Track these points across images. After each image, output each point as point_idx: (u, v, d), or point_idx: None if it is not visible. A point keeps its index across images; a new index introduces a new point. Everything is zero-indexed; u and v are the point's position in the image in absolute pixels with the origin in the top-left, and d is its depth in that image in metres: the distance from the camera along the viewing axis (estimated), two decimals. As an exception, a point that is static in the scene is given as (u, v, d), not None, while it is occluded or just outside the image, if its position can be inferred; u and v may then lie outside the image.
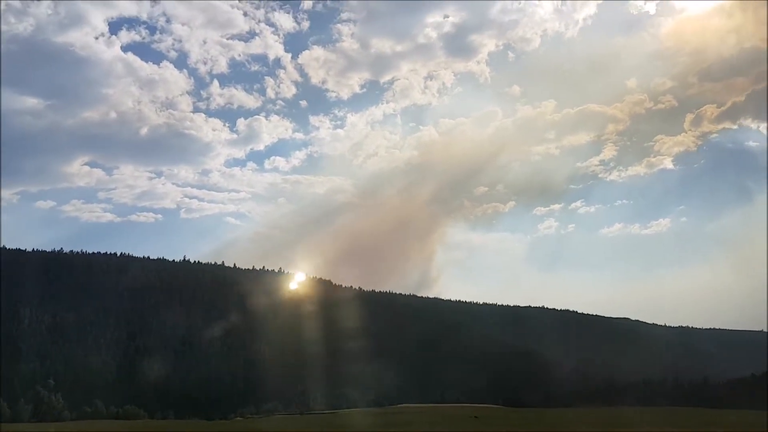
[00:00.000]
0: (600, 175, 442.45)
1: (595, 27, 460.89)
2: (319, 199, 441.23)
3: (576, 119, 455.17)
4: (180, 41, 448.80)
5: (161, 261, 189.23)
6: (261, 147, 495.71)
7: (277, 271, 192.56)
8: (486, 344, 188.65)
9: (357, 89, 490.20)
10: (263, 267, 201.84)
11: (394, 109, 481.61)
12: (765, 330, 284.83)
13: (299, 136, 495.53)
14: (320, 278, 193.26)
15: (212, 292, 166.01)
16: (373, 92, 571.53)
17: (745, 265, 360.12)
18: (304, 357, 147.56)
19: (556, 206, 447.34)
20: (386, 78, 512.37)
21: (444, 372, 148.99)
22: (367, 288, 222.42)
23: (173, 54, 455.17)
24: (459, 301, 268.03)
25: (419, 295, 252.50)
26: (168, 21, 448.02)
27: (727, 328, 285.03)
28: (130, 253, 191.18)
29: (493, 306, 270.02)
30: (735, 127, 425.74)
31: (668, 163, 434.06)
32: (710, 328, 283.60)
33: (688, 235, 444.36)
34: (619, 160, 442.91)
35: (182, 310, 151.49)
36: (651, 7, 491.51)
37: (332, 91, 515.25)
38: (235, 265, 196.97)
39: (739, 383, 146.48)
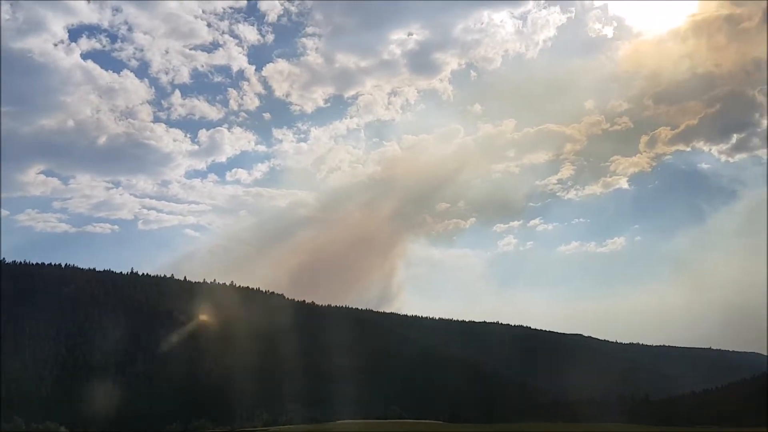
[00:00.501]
0: (558, 194, 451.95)
1: (554, 49, 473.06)
2: (281, 213, 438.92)
3: (535, 138, 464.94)
4: (141, 50, 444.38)
5: (107, 273, 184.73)
6: (223, 159, 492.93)
7: (228, 284, 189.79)
8: (437, 360, 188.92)
9: (321, 103, 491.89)
10: (214, 280, 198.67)
11: (358, 124, 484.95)
12: (713, 347, 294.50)
13: (262, 148, 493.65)
14: (273, 292, 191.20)
15: (158, 305, 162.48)
16: (337, 107, 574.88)
17: (694, 284, 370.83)
18: (249, 372, 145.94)
19: (516, 223, 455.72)
20: (350, 93, 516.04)
21: (392, 387, 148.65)
22: (322, 303, 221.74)
23: (134, 63, 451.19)
24: (414, 316, 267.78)
25: (375, 310, 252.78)
26: (130, 29, 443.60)
27: (676, 345, 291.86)
28: (76, 265, 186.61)
29: (449, 321, 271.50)
30: (688, 149, 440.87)
31: (624, 183, 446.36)
32: (660, 345, 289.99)
33: (642, 253, 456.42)
34: (577, 179, 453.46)
35: (126, 323, 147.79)
36: (609, 31, 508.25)
37: (296, 105, 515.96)
38: (185, 278, 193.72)
39: (681, 399, 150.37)
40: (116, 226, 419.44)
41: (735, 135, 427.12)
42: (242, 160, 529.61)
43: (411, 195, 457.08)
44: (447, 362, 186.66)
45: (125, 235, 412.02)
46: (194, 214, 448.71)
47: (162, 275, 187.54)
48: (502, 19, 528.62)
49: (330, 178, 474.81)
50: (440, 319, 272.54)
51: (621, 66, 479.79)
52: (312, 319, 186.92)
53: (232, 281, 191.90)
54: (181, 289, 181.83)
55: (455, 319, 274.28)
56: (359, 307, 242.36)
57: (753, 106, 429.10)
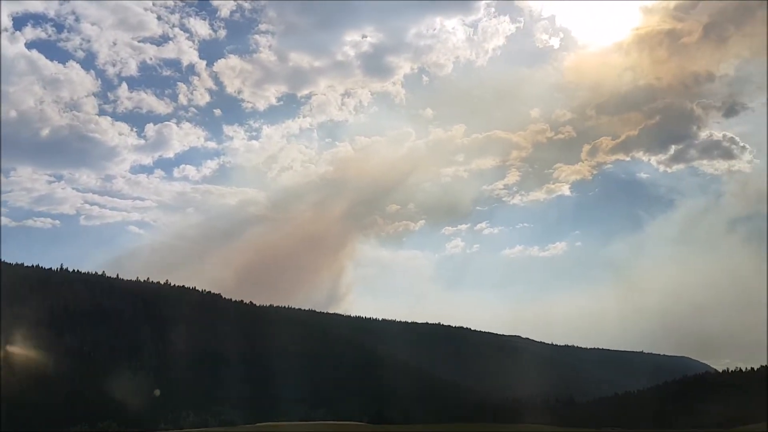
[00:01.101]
0: (504, 199, 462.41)
1: (503, 57, 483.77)
2: (230, 211, 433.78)
3: (483, 144, 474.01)
4: (88, 41, 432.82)
5: (35, 269, 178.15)
6: (170, 154, 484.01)
7: (162, 283, 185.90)
8: (375, 361, 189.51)
9: (273, 101, 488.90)
10: (147, 279, 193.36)
11: (311, 123, 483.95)
12: (645, 351, 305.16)
13: (212, 145, 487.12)
14: (209, 292, 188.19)
15: (84, 304, 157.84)
16: (290, 105, 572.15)
17: (629, 289, 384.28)
18: (177, 373, 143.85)
19: (463, 226, 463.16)
20: (304, 92, 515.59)
21: (326, 389, 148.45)
22: (263, 303, 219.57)
23: (80, 54, 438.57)
24: (357, 317, 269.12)
25: (318, 310, 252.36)
26: (77, 20, 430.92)
27: (610, 348, 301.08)
28: (4, 260, 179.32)
29: (391, 322, 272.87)
30: (628, 159, 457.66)
31: (566, 190, 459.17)
32: (594, 348, 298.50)
33: (582, 258, 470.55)
34: (522, 185, 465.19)
35: (48, 321, 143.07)
36: (555, 42, 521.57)
37: (248, 102, 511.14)
38: (117, 275, 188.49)
39: (604, 401, 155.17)
40: (57, 221, 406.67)
41: (673, 146, 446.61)
42: (191, 157, 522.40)
43: (362, 196, 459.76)
44: (385, 363, 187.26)
45: (67, 230, 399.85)
46: (139, 210, 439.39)
47: (93, 272, 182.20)
48: (453, 26, 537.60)
49: (281, 177, 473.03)
50: (383, 320, 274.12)
51: (566, 76, 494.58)
52: (249, 319, 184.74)
53: (167, 280, 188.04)
54: (111, 288, 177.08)
55: (398, 320, 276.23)
56: (301, 308, 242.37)
57: (691, 119, 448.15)
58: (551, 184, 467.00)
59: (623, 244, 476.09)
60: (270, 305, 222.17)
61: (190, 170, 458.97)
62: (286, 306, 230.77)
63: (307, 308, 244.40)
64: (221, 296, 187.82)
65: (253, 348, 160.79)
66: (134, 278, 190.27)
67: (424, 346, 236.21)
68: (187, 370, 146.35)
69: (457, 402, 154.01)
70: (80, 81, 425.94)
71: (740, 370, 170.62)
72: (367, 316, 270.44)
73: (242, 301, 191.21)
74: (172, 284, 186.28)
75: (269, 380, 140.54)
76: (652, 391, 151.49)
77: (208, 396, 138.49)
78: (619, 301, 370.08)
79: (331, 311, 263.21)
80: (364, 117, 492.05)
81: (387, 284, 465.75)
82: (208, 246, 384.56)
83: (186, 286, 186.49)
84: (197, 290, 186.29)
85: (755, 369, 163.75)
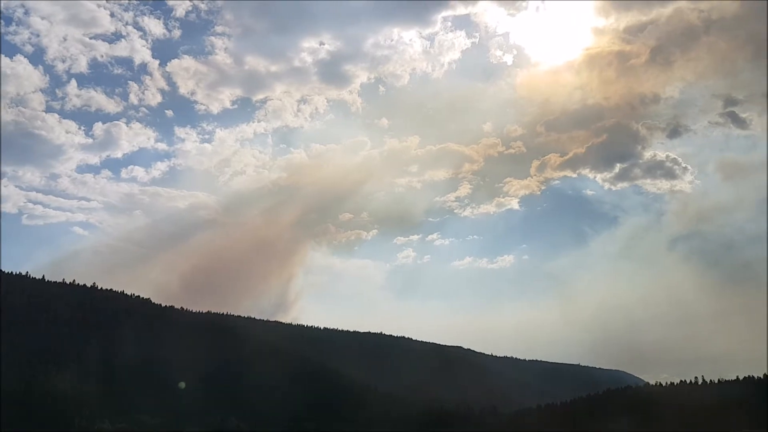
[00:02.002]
0: (455, 211, 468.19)
1: (458, 71, 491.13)
2: (179, 214, 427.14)
3: (437, 156, 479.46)
4: (38, 35, 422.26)
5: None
6: (119, 154, 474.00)
7: (89, 286, 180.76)
8: (308, 370, 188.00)
9: (228, 105, 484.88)
10: (74, 281, 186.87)
11: (266, 128, 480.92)
12: (581, 364, 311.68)
13: (162, 146, 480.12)
14: (138, 296, 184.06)
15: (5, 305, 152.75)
16: (244, 109, 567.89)
17: (570, 303, 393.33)
18: (100, 380, 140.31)
19: (415, 237, 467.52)
20: (259, 97, 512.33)
21: (244, 397, 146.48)
22: (202, 309, 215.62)
23: (29, 48, 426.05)
24: (298, 325, 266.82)
25: (258, 318, 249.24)
26: (26, 13, 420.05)
27: (547, 360, 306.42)
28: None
29: (333, 331, 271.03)
30: (575, 175, 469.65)
31: (515, 204, 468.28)
32: (532, 360, 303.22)
33: (528, 272, 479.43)
34: (473, 197, 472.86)
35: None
36: (509, 59, 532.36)
37: (201, 104, 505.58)
38: (44, 277, 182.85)
39: (526, 413, 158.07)
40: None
41: (618, 165, 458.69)
42: (140, 158, 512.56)
43: (315, 203, 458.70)
44: (316, 373, 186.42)
45: (7, 229, 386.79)
46: (84, 211, 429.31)
47: (16, 272, 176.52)
48: (411, 38, 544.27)
49: (234, 182, 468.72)
50: (324, 329, 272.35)
51: (518, 92, 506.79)
52: (180, 326, 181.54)
53: (94, 283, 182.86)
54: (38, 290, 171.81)
55: (340, 329, 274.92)
56: (241, 315, 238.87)
57: (636, 139, 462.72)
58: (501, 198, 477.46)
59: (568, 259, 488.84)
60: (208, 312, 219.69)
61: (138, 171, 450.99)
62: (224, 313, 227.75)
63: (246, 315, 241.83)
64: (150, 301, 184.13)
65: (179, 355, 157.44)
66: (60, 280, 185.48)
67: (363, 356, 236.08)
68: (109, 377, 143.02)
69: (382, 412, 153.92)
70: (27, 76, 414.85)
71: (660, 384, 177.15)
72: (309, 325, 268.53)
73: (173, 306, 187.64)
74: (99, 287, 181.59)
75: (191, 388, 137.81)
76: (573, 403, 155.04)
77: (128, 403, 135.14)
78: (560, 315, 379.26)
79: (278, 319, 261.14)
80: (319, 124, 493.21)
81: (337, 292, 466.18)
82: (154, 250, 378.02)
83: (114, 289, 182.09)
84: (125, 294, 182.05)
85: (676, 383, 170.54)
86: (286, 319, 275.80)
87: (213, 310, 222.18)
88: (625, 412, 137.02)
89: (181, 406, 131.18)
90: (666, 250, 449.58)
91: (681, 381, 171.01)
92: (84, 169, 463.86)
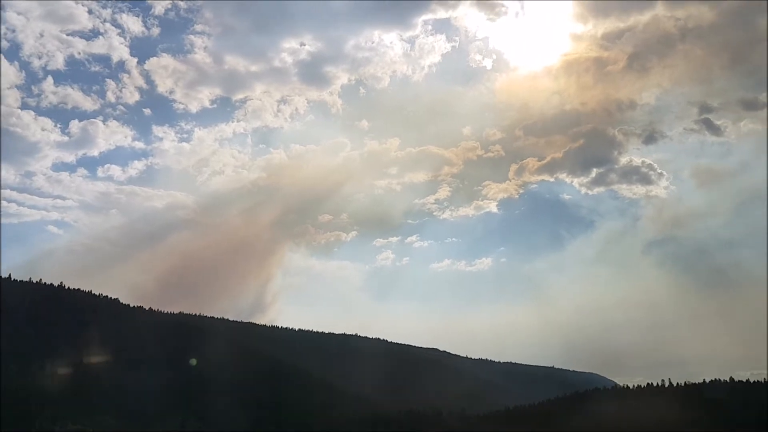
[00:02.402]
0: (435, 213, 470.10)
1: (438, 74, 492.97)
2: (156, 214, 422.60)
3: (417, 158, 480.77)
4: (14, 31, 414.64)
5: None
6: (95, 153, 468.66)
7: (56, 285, 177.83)
8: (280, 372, 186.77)
9: (207, 104, 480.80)
10: (40, 280, 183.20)
11: (245, 128, 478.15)
12: (555, 366, 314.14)
13: (139, 145, 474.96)
14: (106, 296, 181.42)
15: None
16: (224, 109, 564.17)
17: (547, 306, 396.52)
18: (61, 380, 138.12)
19: (394, 239, 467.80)
20: (239, 96, 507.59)
21: (204, 398, 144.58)
22: (174, 310, 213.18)
23: (4, 44, 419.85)
24: (273, 326, 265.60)
25: (231, 319, 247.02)
26: (2, 8, 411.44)
27: (522, 362, 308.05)
28: None
29: (308, 333, 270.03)
30: (552, 179, 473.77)
31: (493, 207, 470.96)
32: (507, 362, 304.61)
33: (506, 274, 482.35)
34: (452, 200, 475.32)
35: None
36: (488, 63, 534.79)
37: (180, 103, 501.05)
38: (10, 276, 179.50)
39: (493, 415, 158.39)
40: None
41: (595, 169, 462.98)
42: (117, 156, 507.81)
43: (295, 204, 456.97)
44: (285, 374, 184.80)
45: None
46: (59, 209, 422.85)
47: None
48: (391, 40, 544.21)
49: (212, 182, 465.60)
50: (298, 330, 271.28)
51: (497, 97, 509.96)
52: (149, 326, 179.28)
53: (61, 282, 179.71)
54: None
55: (313, 330, 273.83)
56: (214, 316, 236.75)
57: (612, 144, 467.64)
58: (480, 201, 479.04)
59: (545, 262, 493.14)
60: (179, 312, 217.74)
61: (115, 170, 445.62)
62: (195, 314, 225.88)
63: (218, 316, 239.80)
64: (119, 301, 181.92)
65: (144, 356, 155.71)
66: (27, 279, 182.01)
67: (335, 357, 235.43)
68: (72, 377, 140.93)
69: (349, 413, 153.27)
70: (3, 72, 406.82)
71: (628, 386, 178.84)
72: (283, 326, 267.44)
73: (142, 306, 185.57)
74: (66, 287, 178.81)
75: (153, 390, 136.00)
76: (540, 405, 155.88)
77: (89, 404, 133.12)
78: (536, 317, 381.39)
79: (254, 321, 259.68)
80: (299, 125, 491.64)
81: (315, 294, 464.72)
82: (131, 249, 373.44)
83: (82, 289, 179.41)
84: (93, 294, 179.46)
85: (644, 386, 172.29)
86: (263, 320, 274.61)
87: (185, 311, 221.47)
88: (590, 414, 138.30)
89: (144, 408, 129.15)
90: (641, 255, 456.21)
91: (648, 384, 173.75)
92: (60, 167, 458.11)
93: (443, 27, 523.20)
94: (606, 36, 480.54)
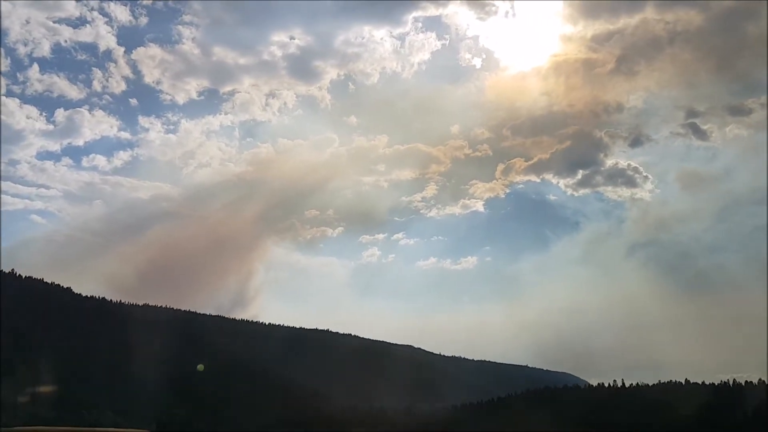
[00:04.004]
0: (421, 211, 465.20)
1: (428, 72, 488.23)
2: (141, 205, 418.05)
3: (404, 156, 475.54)
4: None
5: None
6: (80, 142, 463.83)
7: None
8: (234, 367, 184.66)
9: (194, 95, 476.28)
10: (12, 271, 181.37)
11: (232, 121, 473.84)
12: (529, 365, 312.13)
13: (125, 135, 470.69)
14: (54, 283, 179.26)
15: None
16: (211, 101, 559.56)
17: (528, 305, 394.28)
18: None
19: (381, 236, 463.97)
20: (226, 89, 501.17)
21: (138, 392, 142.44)
22: (138, 302, 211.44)
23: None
24: (243, 320, 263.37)
25: (199, 312, 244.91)
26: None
27: (495, 360, 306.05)
28: None
29: (277, 327, 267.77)
30: (538, 180, 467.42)
31: (480, 206, 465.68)
32: (480, 360, 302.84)
33: (490, 274, 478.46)
34: (438, 198, 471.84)
35: None
36: (478, 62, 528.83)
37: (167, 94, 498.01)
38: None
39: (440, 412, 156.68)
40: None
41: (581, 171, 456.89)
42: (102, 146, 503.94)
43: (281, 198, 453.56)
44: (243, 371, 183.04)
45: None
46: (43, 199, 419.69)
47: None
48: (381, 36, 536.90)
49: (198, 174, 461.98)
50: (269, 324, 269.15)
51: (486, 96, 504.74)
52: (105, 318, 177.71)
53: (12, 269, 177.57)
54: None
55: (284, 324, 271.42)
56: (180, 308, 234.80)
57: (599, 147, 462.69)
58: (467, 200, 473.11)
59: (529, 262, 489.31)
60: (144, 304, 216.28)
61: (100, 160, 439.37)
62: (162, 306, 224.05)
63: (186, 309, 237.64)
64: (71, 290, 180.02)
65: (90, 348, 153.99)
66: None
67: (299, 353, 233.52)
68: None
69: (293, 409, 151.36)
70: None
71: (589, 385, 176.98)
72: (255, 320, 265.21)
73: (94, 296, 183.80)
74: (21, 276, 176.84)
75: (85, 381, 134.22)
76: (489, 402, 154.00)
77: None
78: (517, 317, 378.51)
79: (234, 316, 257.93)
80: (287, 119, 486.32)
81: (300, 290, 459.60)
82: (113, 241, 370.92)
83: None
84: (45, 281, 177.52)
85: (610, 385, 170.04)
86: (245, 315, 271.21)
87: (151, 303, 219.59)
88: (540, 411, 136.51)
89: (70, 401, 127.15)
90: (624, 257, 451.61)
91: (607, 384, 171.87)
92: (44, 156, 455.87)
93: (433, 25, 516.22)
94: (595, 38, 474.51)
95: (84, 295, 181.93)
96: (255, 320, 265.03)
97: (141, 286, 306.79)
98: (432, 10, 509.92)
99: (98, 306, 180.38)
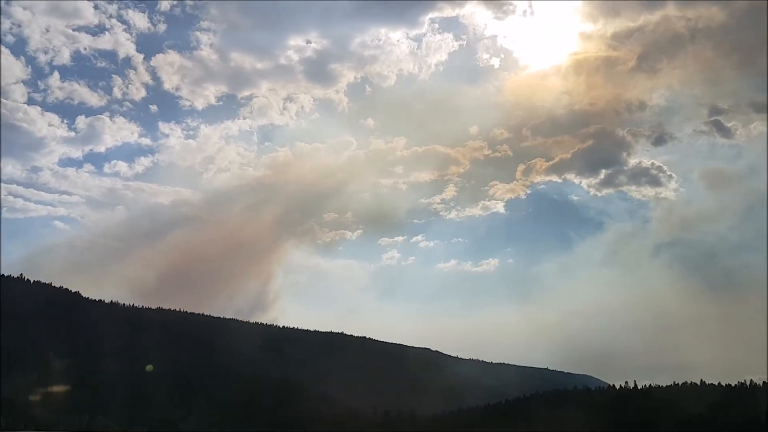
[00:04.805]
0: (441, 213, 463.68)
1: (445, 73, 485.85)
2: (161, 210, 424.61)
3: (423, 158, 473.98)
4: (19, 26, 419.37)
5: None
6: (102, 149, 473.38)
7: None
8: (237, 371, 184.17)
9: (213, 101, 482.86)
10: (21, 275, 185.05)
11: (251, 126, 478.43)
12: (549, 368, 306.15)
13: (146, 141, 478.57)
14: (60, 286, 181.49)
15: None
16: (229, 106, 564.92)
17: (550, 307, 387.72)
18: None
19: (400, 238, 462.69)
20: (244, 94, 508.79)
21: (153, 399, 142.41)
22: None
23: (10, 38, 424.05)
24: (256, 323, 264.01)
25: (214, 315, 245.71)
26: (7, 2, 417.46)
27: (515, 363, 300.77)
28: None
29: (294, 330, 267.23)
30: (560, 180, 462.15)
31: (500, 208, 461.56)
32: (498, 363, 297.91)
33: (512, 275, 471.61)
34: (458, 200, 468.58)
35: None
36: (496, 62, 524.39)
37: (186, 100, 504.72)
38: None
39: (443, 416, 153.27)
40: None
41: (603, 171, 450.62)
42: (123, 152, 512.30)
43: (299, 202, 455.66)
44: (247, 375, 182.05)
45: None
46: (66, 205, 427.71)
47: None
48: (398, 38, 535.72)
49: (218, 179, 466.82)
50: (283, 328, 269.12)
51: (505, 96, 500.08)
52: (113, 322, 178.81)
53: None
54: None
55: (298, 328, 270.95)
56: (192, 311, 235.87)
57: (621, 146, 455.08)
58: (487, 201, 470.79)
59: (552, 264, 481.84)
60: (158, 307, 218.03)
61: (121, 166, 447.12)
62: (172, 309, 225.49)
63: (200, 312, 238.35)
64: (79, 294, 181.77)
65: (94, 352, 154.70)
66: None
67: (314, 357, 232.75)
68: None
69: (299, 412, 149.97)
70: (9, 67, 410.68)
71: (597, 386, 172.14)
72: (274, 324, 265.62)
73: (102, 300, 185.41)
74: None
75: (88, 385, 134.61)
76: (493, 407, 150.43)
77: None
78: (539, 319, 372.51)
79: (257, 320, 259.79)
80: (305, 123, 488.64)
81: (319, 293, 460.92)
82: (135, 246, 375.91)
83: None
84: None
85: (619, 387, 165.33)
86: (264, 319, 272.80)
87: (165, 306, 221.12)
88: (542, 413, 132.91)
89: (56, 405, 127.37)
90: (649, 257, 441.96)
91: (620, 386, 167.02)
92: (66, 162, 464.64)
93: (450, 25, 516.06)
94: (615, 36, 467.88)
95: (91, 299, 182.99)
96: (269, 323, 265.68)
97: (161, 290, 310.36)
98: (449, 11, 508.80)
99: (105, 310, 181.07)
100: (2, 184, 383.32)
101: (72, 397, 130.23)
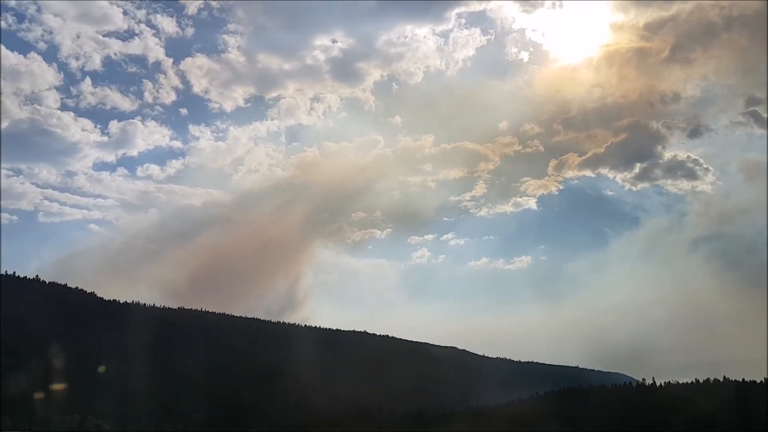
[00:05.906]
0: (471, 210, 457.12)
1: (473, 68, 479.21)
2: (193, 212, 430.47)
3: (451, 155, 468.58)
4: (51, 33, 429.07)
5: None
6: (134, 152, 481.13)
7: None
8: (259, 371, 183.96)
9: (241, 103, 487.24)
10: (37, 278, 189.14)
11: (279, 126, 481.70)
12: (579, 366, 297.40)
13: (177, 144, 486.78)
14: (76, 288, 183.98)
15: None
16: (257, 107, 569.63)
17: (587, 306, 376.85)
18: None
19: (430, 236, 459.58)
20: (272, 95, 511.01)
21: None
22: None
23: (42, 45, 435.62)
24: (280, 322, 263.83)
25: (236, 315, 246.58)
26: (39, 10, 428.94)
27: (544, 362, 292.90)
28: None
29: (312, 329, 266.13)
30: (594, 175, 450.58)
31: (532, 204, 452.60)
32: (527, 361, 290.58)
33: (546, 273, 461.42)
34: (489, 197, 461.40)
35: None
36: (525, 55, 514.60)
37: (215, 102, 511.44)
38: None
39: (451, 415, 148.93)
40: (15, 217, 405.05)
41: (638, 165, 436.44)
42: (155, 155, 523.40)
43: (328, 201, 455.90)
44: (272, 374, 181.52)
45: (24, 226, 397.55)
46: (100, 208, 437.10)
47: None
48: (424, 35, 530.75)
49: (247, 180, 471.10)
50: (305, 326, 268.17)
51: (535, 90, 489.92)
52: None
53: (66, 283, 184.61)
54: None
55: (321, 327, 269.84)
56: (216, 312, 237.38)
57: (656, 139, 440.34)
58: (518, 198, 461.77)
59: (587, 260, 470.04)
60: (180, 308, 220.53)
61: (153, 169, 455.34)
62: (195, 309, 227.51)
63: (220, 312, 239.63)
64: (95, 294, 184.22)
65: (106, 351, 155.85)
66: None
67: (332, 355, 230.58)
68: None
69: (318, 411, 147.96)
70: (42, 73, 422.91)
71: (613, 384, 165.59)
72: (288, 322, 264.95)
73: (116, 300, 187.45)
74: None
75: (96, 385, 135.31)
76: (508, 405, 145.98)
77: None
78: (572, 316, 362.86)
79: (285, 320, 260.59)
80: (332, 122, 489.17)
81: (349, 292, 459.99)
82: (167, 247, 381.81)
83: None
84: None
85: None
86: (294, 319, 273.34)
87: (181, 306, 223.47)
88: (555, 411, 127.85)
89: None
90: (687, 252, 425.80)
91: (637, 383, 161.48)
92: (100, 166, 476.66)
93: (477, 20, 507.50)
94: (648, 26, 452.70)
95: (106, 299, 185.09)
96: (290, 322, 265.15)
97: (193, 291, 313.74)
98: (475, 6, 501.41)
99: (120, 309, 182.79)
100: (38, 189, 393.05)
101: (78, 398, 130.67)
